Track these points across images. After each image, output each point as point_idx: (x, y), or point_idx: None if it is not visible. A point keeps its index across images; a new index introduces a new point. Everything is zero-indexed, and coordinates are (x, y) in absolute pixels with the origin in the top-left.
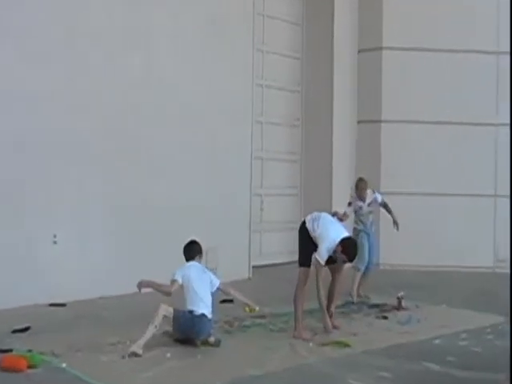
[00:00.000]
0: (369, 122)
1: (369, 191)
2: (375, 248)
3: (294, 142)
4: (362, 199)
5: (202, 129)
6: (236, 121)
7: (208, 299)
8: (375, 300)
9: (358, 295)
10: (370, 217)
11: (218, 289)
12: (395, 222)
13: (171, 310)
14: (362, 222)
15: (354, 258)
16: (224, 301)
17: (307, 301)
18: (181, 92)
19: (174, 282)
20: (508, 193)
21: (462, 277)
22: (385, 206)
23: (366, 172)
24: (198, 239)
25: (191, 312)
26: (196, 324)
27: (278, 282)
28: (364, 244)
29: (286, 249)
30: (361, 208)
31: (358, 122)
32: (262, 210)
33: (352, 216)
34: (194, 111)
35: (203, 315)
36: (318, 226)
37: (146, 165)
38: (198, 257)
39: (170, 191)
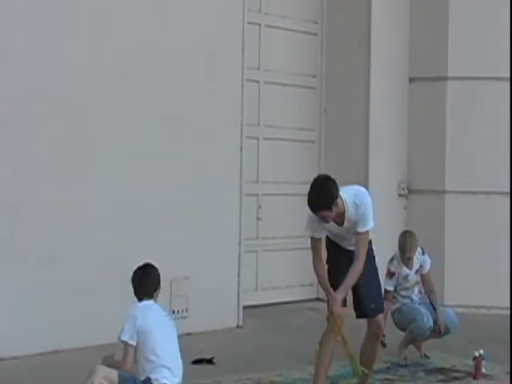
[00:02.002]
0: (428, 79)
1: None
2: (445, 315)
3: (309, 113)
4: (409, 265)
5: (164, 90)
6: (217, 78)
7: (177, 363)
8: (438, 361)
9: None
10: (416, 289)
11: None
12: (438, 321)
13: (115, 375)
14: (403, 297)
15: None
16: (199, 361)
17: (336, 361)
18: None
19: (126, 347)
20: None
21: None
22: (427, 280)
23: (423, 164)
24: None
25: (147, 381)
26: None
27: (285, 333)
28: (413, 308)
29: (298, 279)
30: (406, 278)
31: (411, 81)
32: (259, 218)
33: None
34: (157, 67)
35: None
36: None
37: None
38: (156, 292)
39: (108, 187)
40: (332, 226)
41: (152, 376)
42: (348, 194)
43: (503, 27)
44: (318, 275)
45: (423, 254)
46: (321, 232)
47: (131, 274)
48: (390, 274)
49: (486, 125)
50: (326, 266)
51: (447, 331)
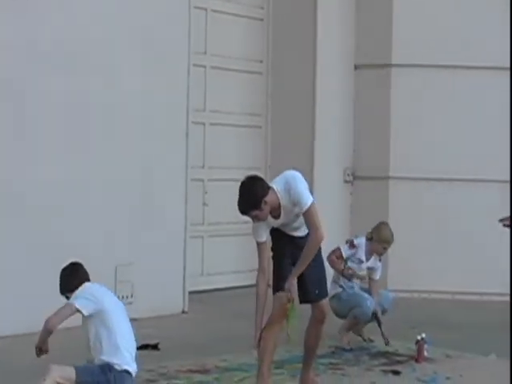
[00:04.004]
0: (373, 66)
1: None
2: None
3: (255, 98)
4: (367, 256)
5: (100, 71)
6: (163, 63)
7: (133, 344)
8: (382, 345)
9: (360, 336)
10: (358, 283)
11: None
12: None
13: (71, 371)
14: (343, 284)
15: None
16: (144, 347)
17: (281, 346)
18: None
19: (68, 307)
20: None
21: None
22: (375, 285)
23: (368, 150)
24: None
25: (106, 367)
26: None
27: (231, 318)
28: (354, 293)
29: (245, 265)
30: (359, 265)
31: (356, 68)
32: (205, 204)
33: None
34: (101, 52)
35: (126, 373)
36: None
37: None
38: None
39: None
40: (272, 222)
41: (114, 360)
42: (280, 183)
43: (449, 14)
44: (257, 296)
45: (380, 260)
46: (263, 235)
47: (77, 260)
48: (352, 245)
49: (430, 112)
50: (271, 253)
51: (384, 311)
